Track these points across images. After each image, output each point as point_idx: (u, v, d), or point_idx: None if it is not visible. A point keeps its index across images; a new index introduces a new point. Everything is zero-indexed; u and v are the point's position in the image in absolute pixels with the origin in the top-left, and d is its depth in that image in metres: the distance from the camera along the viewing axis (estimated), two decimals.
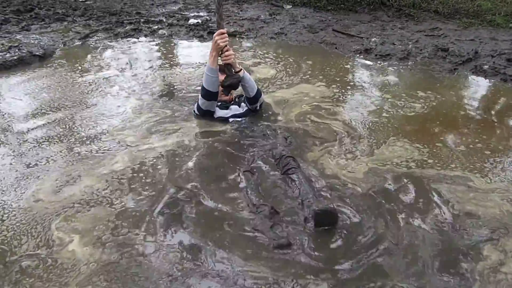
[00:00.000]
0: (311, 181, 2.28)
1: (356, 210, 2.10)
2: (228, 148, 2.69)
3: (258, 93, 3.00)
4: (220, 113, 3.03)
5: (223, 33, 2.68)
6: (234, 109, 3.07)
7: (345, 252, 1.84)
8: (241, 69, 2.86)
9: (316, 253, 1.83)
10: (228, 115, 3.03)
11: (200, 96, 2.93)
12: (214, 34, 2.71)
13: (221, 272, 1.72)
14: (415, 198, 2.21)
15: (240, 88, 2.94)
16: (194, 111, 3.10)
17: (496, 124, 3.12)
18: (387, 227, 1.99)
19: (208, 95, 2.86)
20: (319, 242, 1.89)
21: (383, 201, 2.18)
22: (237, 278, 1.69)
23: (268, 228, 1.93)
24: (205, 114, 3.00)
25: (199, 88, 3.64)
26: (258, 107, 3.09)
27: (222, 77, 2.83)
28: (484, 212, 2.11)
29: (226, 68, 2.79)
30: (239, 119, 3.01)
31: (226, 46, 2.71)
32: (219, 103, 3.06)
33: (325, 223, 1.94)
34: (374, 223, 2.01)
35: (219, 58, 2.78)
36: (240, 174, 2.37)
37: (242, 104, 3.12)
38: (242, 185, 2.29)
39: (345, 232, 1.95)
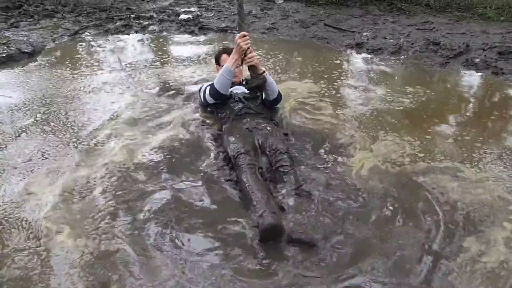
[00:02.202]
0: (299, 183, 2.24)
1: (339, 208, 2.10)
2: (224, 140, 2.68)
3: (279, 96, 2.97)
4: None
5: (245, 36, 2.64)
6: (240, 88, 3.01)
7: (323, 249, 1.84)
8: (264, 71, 2.80)
9: (293, 247, 1.84)
10: (229, 91, 2.93)
11: (208, 93, 2.88)
12: (236, 37, 2.67)
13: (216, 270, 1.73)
14: (402, 192, 2.22)
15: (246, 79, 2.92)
16: (200, 97, 3.06)
17: (487, 116, 3.14)
18: (372, 223, 2.01)
19: (217, 95, 2.83)
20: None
21: (372, 198, 2.18)
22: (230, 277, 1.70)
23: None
24: (209, 106, 3.00)
25: (191, 82, 3.64)
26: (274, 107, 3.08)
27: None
28: (473, 202, 2.13)
29: (251, 69, 2.75)
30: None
31: (248, 48, 2.67)
32: None
33: (271, 237, 1.87)
34: (361, 219, 2.02)
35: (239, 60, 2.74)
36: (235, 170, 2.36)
37: None
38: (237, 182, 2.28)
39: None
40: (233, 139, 2.50)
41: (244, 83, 3.10)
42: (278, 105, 3.08)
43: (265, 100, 2.99)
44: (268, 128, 2.62)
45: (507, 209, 2.09)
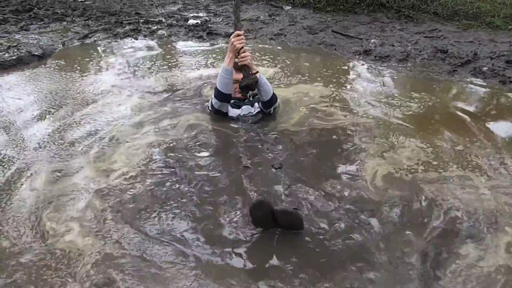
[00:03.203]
0: None
1: (346, 215, 2.10)
2: (227, 148, 2.71)
3: (274, 98, 3.00)
4: (231, 112, 3.04)
5: (239, 35, 2.71)
6: (246, 109, 3.07)
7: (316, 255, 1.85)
8: (257, 71, 2.86)
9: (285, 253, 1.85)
10: (236, 114, 3.04)
11: (213, 96, 2.94)
12: (231, 36, 2.74)
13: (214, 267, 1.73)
14: (409, 199, 2.22)
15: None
16: (208, 107, 3.12)
17: (494, 125, 3.13)
18: (373, 229, 2.01)
19: (220, 95, 2.88)
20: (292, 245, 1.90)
21: (380, 204, 2.18)
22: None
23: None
24: (217, 113, 3.03)
25: (199, 87, 3.66)
26: (271, 111, 3.11)
27: (237, 75, 2.86)
28: (478, 210, 2.13)
29: (243, 69, 2.80)
30: (247, 121, 3.01)
31: (242, 47, 2.74)
32: (233, 101, 3.05)
33: (260, 216, 1.90)
34: (363, 226, 2.03)
35: (236, 59, 2.80)
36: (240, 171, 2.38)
37: (256, 104, 3.12)
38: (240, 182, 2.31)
39: (325, 238, 1.95)
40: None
41: (251, 99, 3.14)
42: (277, 108, 3.11)
43: (260, 102, 3.03)
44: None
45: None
